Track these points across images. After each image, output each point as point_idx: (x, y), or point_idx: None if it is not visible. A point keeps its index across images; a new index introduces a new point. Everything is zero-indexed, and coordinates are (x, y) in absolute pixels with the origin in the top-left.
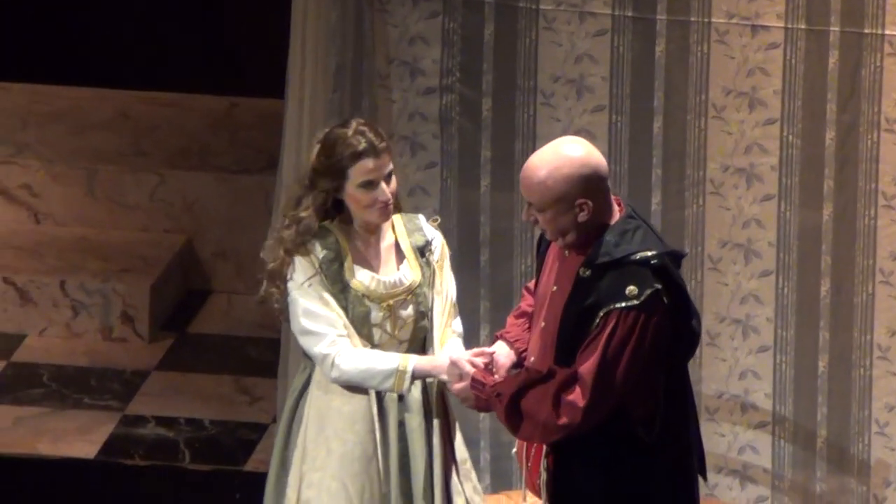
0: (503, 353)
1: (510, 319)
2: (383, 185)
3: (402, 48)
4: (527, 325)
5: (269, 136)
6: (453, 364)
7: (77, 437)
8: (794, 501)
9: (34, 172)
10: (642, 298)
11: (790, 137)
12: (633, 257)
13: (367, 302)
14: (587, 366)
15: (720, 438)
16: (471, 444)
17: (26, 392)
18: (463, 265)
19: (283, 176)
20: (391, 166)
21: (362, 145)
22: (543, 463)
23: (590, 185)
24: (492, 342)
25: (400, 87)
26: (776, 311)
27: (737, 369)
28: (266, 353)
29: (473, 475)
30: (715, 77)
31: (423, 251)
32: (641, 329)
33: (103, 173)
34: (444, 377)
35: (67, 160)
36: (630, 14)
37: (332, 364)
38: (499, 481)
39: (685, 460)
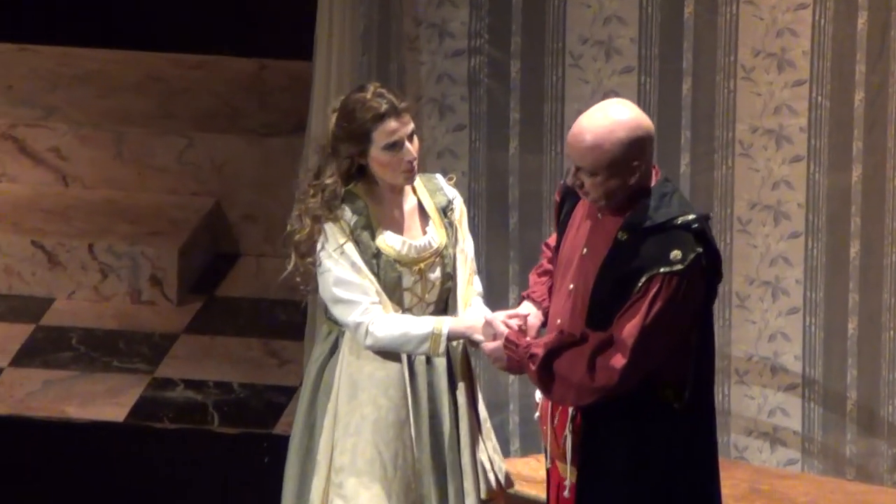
0: (532, 313)
1: (533, 278)
2: (408, 144)
3: (431, 10)
4: (551, 284)
5: (298, 98)
6: (488, 324)
7: (106, 400)
8: (824, 464)
9: (62, 135)
10: (686, 263)
11: (819, 98)
12: (675, 221)
13: (398, 267)
14: (628, 329)
15: (750, 401)
16: (500, 407)
17: (55, 355)
18: (492, 228)
19: (310, 139)
20: (413, 125)
21: (384, 107)
22: (569, 426)
23: (643, 148)
24: (518, 302)
25: (428, 49)
26: (805, 272)
27: (766, 331)
28: (295, 316)
29: (493, 434)
30: (744, 38)
31: (445, 211)
32: (685, 293)
33: (132, 136)
34: (478, 337)
35: (96, 123)
36: None
37: (367, 332)
38: (528, 445)
39: (709, 422)
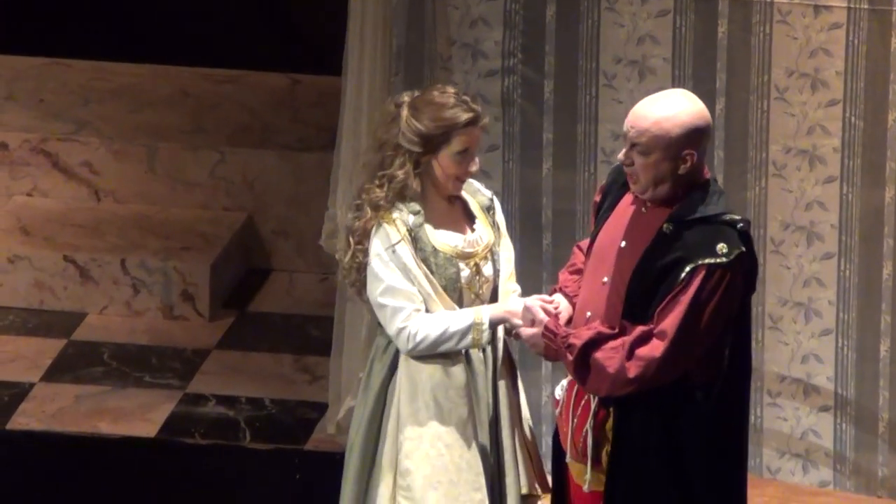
0: (563, 305)
1: (564, 275)
2: (475, 156)
3: (464, 30)
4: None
5: (330, 113)
6: (527, 310)
7: (137, 415)
8: (857, 485)
9: (94, 150)
10: (731, 257)
11: (852, 119)
12: (722, 217)
13: (456, 262)
14: (669, 320)
15: (782, 422)
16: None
17: (87, 370)
18: (525, 247)
19: (340, 158)
20: None
21: (471, 114)
22: (589, 422)
23: (699, 139)
24: (550, 294)
25: (461, 69)
26: (838, 294)
27: (799, 353)
28: (327, 332)
29: (533, 434)
30: (777, 58)
31: (488, 209)
32: (726, 288)
33: (164, 151)
34: (517, 321)
35: (128, 137)
36: None
37: (408, 336)
38: None
39: (739, 429)
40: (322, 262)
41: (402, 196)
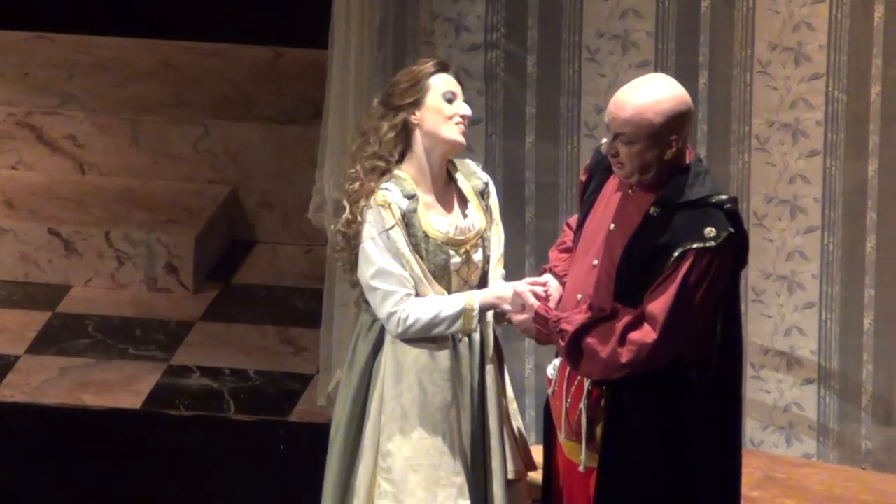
0: (553, 286)
1: (554, 254)
2: (463, 101)
3: (447, 4)
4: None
5: (314, 86)
6: (517, 295)
7: (122, 387)
8: (840, 458)
9: (79, 123)
10: (720, 240)
11: (835, 92)
12: (709, 199)
13: (447, 249)
14: (658, 304)
15: (766, 395)
16: (516, 398)
17: (71, 343)
18: (508, 221)
19: (327, 131)
20: None
21: (439, 60)
22: (583, 402)
23: (683, 123)
24: (539, 275)
25: (444, 43)
26: (821, 267)
27: (782, 326)
28: (311, 304)
29: (518, 416)
30: (760, 32)
31: (482, 194)
32: (715, 271)
33: (147, 124)
34: (507, 307)
35: (112, 111)
36: None
37: (399, 321)
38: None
39: (733, 405)
40: (306, 234)
41: (394, 146)
